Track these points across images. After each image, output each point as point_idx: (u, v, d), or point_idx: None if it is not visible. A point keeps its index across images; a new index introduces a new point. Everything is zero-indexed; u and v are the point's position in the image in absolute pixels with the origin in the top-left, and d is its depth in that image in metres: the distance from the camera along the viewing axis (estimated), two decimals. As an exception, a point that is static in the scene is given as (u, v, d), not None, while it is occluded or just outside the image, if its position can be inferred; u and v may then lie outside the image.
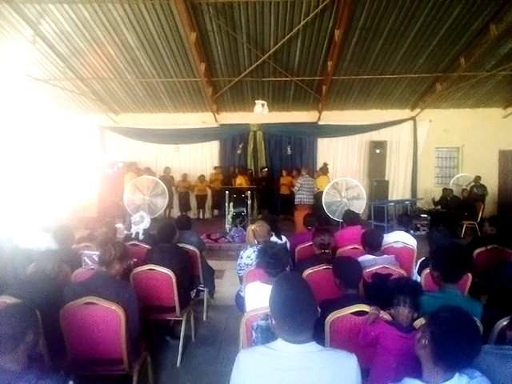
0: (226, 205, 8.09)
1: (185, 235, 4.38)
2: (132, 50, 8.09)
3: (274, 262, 2.65)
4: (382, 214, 8.63)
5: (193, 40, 7.29)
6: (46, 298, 2.51)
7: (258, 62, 8.33)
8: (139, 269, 3.36)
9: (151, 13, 6.89)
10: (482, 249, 3.92)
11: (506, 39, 7.59)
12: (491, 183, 10.75)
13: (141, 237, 4.42)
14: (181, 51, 8.10)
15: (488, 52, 7.90)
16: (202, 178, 11.04)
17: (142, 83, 9.57)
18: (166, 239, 3.84)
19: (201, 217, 11.15)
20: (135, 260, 3.67)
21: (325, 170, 9.86)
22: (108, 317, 2.46)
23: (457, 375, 1.43)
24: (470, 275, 3.14)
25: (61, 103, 10.69)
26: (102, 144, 11.64)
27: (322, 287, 2.81)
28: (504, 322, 2.10)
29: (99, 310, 2.46)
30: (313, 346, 1.53)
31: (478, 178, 10.26)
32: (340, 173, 11.00)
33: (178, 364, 3.38)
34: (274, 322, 1.58)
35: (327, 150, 11.46)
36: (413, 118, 11.06)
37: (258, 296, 2.62)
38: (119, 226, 5.27)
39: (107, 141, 11.75)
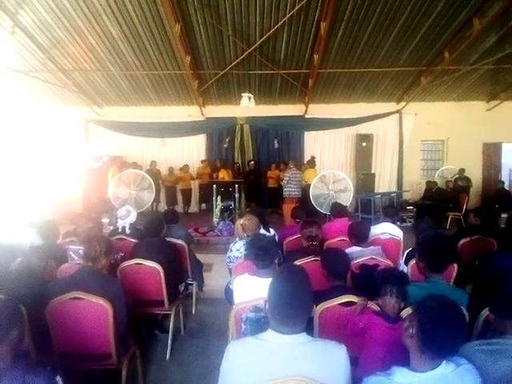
0: (214, 198, 8.06)
1: (172, 229, 4.35)
2: (115, 41, 7.93)
3: (262, 254, 2.65)
4: (368, 207, 8.72)
5: (177, 31, 7.18)
6: (31, 293, 2.47)
7: (243, 55, 8.27)
8: (126, 263, 3.32)
9: (134, 2, 6.75)
10: (467, 239, 3.98)
11: (488, 33, 7.68)
12: (475, 175, 10.96)
13: (127, 231, 4.37)
14: (165, 43, 7.98)
15: (471, 46, 7.96)
16: (185, 168, 10.92)
17: (126, 75, 9.42)
18: (154, 233, 3.81)
19: (189, 211, 11.09)
20: (122, 254, 3.63)
21: (312, 163, 9.90)
22: (95, 311, 2.43)
23: (444, 363, 1.45)
24: (455, 265, 3.20)
25: (42, 96, 10.45)
26: (86, 138, 11.43)
27: (311, 279, 2.82)
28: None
29: (86, 304, 2.43)
30: (303, 337, 1.54)
31: (462, 171, 10.44)
32: (327, 166, 11.04)
33: (168, 357, 3.37)
34: (267, 307, 1.59)
35: (314, 144, 11.49)
36: (398, 111, 11.15)
37: (247, 288, 2.62)
38: (105, 220, 5.21)
39: (91, 134, 11.55)
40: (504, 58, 8.44)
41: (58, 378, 1.64)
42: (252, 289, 2.53)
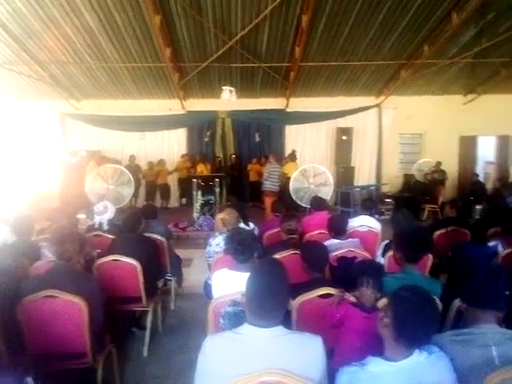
0: (194, 193, 8.00)
1: (151, 224, 4.29)
2: (93, 33, 7.72)
3: (241, 248, 2.64)
4: (348, 200, 8.81)
5: (157, 23, 7.05)
6: (3, 292, 2.40)
7: (225, 48, 8.19)
8: (103, 259, 3.27)
9: (112, -7, 6.60)
10: (442, 230, 4.08)
11: (466, 27, 7.80)
12: (452, 168, 11.19)
13: (105, 227, 4.30)
14: (145, 35, 7.81)
15: (450, 40, 8.09)
16: (161, 162, 10.86)
17: (104, 68, 9.20)
18: (132, 229, 3.75)
19: (168, 206, 11.01)
20: (99, 251, 3.57)
21: (293, 156, 9.92)
22: (69, 310, 2.39)
23: (417, 351, 1.48)
24: (430, 256, 3.26)
25: (17, 89, 10.11)
26: (63, 132, 11.15)
27: (290, 272, 2.81)
28: (462, 301, 2.18)
29: (60, 302, 2.38)
30: (279, 330, 1.55)
31: (438, 164, 10.64)
32: (308, 159, 11.06)
33: (146, 354, 3.34)
34: (244, 300, 1.60)
35: (295, 137, 11.50)
36: (378, 105, 11.27)
37: (226, 283, 2.61)
38: (82, 216, 5.11)
39: (69, 128, 11.27)
40: (481, 52, 8.62)
41: (29, 380, 1.60)
42: (231, 283, 2.52)
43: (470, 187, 10.07)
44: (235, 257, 2.68)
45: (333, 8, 7.06)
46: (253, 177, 10.66)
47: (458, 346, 1.62)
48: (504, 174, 11.11)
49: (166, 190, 11.06)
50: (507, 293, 1.80)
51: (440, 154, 10.96)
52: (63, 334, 2.43)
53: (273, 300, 1.53)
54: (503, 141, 11.61)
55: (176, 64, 8.99)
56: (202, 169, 10.01)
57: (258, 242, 3.43)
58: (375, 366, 1.48)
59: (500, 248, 3.47)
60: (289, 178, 8.76)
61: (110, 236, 3.94)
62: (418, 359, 1.47)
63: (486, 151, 12.33)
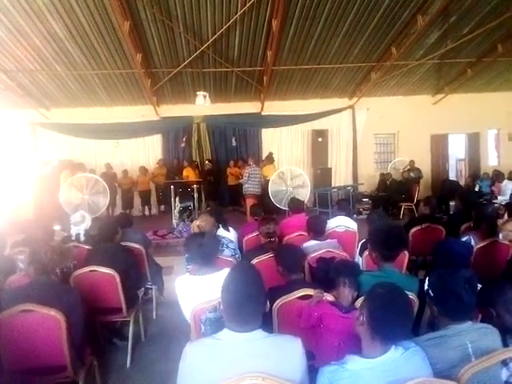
0: (172, 199, 7.93)
1: (128, 233, 4.23)
2: (60, 41, 7.55)
3: (201, 251, 2.67)
4: (326, 201, 8.91)
5: (126, 29, 6.93)
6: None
7: (196, 53, 8.17)
8: (80, 271, 3.20)
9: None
10: (418, 228, 4.17)
11: (432, 29, 8.06)
12: (425, 166, 11.48)
13: (82, 238, 4.22)
14: (114, 41, 7.70)
15: (417, 42, 8.34)
16: (143, 169, 10.66)
17: (74, 75, 9.02)
18: (109, 239, 3.70)
19: (146, 213, 10.87)
20: (75, 262, 3.49)
21: (271, 159, 9.99)
22: (47, 323, 2.33)
23: (393, 347, 1.51)
24: (406, 253, 3.34)
25: (-17, 99, 9.81)
26: (33, 142, 10.86)
27: (269, 276, 2.83)
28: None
29: (37, 317, 2.32)
30: (258, 333, 1.56)
31: (412, 162, 10.90)
32: (285, 162, 11.18)
33: (128, 365, 3.29)
34: (221, 307, 1.61)
35: (271, 140, 11.58)
36: (351, 107, 11.47)
37: (188, 289, 2.61)
38: (57, 227, 4.98)
39: (40, 138, 10.98)
40: (447, 53, 8.94)
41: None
42: (194, 289, 2.56)
43: (441, 184, 10.34)
44: (196, 261, 2.70)
45: (302, 12, 7.15)
46: (232, 180, 10.64)
47: (434, 349, 1.64)
48: (474, 170, 11.51)
49: (146, 197, 10.85)
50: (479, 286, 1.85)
51: (413, 152, 11.25)
52: (42, 349, 2.38)
53: (249, 305, 1.54)
54: (473, 138, 12.04)
55: (147, 70, 8.90)
56: (189, 173, 9.87)
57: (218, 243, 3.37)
58: (354, 364, 1.50)
59: (472, 242, 3.58)
60: (268, 181, 8.81)
61: (86, 247, 3.87)
62: (394, 355, 1.50)
63: (457, 149, 12.78)
